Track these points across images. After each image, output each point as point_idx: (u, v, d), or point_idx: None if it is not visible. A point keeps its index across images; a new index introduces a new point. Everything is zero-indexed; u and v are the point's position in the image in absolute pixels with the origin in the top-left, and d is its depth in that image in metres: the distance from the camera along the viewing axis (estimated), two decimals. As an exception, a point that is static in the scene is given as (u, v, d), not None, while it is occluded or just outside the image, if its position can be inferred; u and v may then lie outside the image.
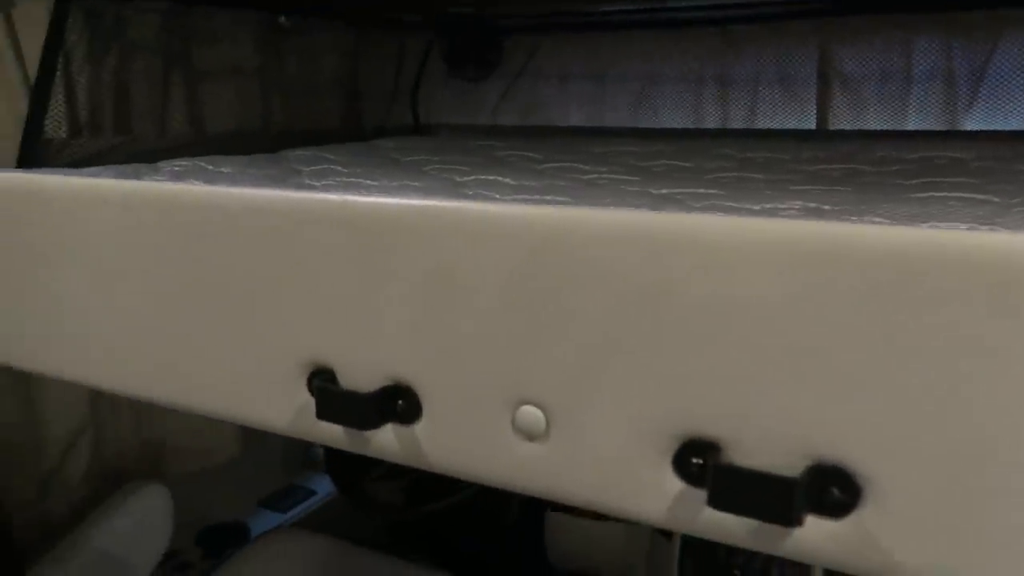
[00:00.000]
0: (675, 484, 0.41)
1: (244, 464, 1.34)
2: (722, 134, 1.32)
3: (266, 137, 1.22)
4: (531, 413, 0.43)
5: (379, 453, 0.48)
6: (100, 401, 1.11)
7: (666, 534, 1.21)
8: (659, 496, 0.41)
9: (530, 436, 0.44)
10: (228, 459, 1.28)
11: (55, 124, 0.94)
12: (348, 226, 0.48)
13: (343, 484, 1.36)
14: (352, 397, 0.46)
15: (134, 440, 1.19)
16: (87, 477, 1.09)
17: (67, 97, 0.98)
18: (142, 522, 0.98)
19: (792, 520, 0.37)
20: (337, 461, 1.36)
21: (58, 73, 0.94)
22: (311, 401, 0.49)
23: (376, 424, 0.46)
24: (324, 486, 1.53)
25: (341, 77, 1.43)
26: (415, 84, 1.48)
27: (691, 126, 1.36)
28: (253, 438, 1.34)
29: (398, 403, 0.46)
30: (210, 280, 0.52)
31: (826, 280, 0.37)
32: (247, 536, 1.39)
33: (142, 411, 1.18)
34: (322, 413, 0.47)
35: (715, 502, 0.38)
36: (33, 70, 0.97)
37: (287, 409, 0.50)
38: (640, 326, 0.41)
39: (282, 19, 1.32)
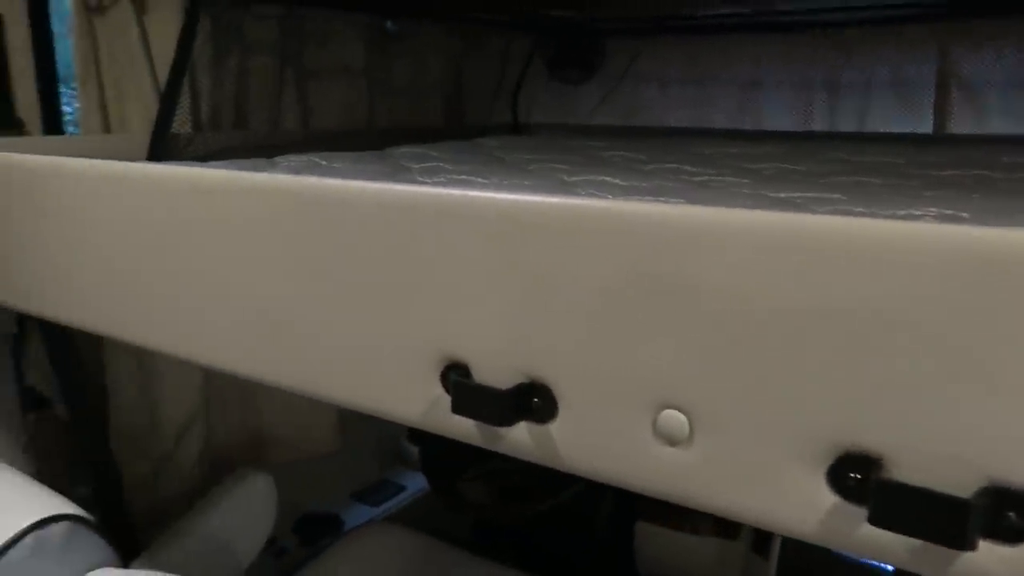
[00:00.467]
0: (828, 498, 0.39)
1: (340, 457, 1.38)
2: (828, 137, 1.28)
3: (371, 134, 1.25)
4: (674, 417, 0.42)
5: (512, 451, 0.47)
6: (211, 391, 1.15)
7: (763, 554, 1.17)
8: (810, 510, 0.39)
9: (672, 441, 0.42)
10: (326, 452, 1.32)
11: (180, 121, 0.99)
12: (483, 222, 0.48)
13: (437, 483, 1.37)
14: (489, 393, 0.46)
15: (241, 429, 1.23)
16: (198, 462, 1.14)
17: (191, 96, 1.03)
18: (250, 509, 1.02)
19: (966, 544, 0.35)
20: (432, 461, 1.38)
21: (186, 75, 0.98)
22: (444, 395, 0.49)
23: (512, 421, 0.46)
24: (414, 482, 1.56)
25: (445, 78, 1.45)
26: (517, 86, 1.48)
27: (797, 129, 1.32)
28: (350, 433, 1.37)
29: (533, 401, 0.46)
30: (350, 273, 0.53)
31: (1003, 290, 0.34)
32: (340, 526, 1.43)
33: (248, 402, 1.23)
34: (458, 408, 0.47)
35: (878, 520, 0.36)
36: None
37: (420, 402, 0.50)
38: (795, 331, 0.39)
39: (388, 25, 1.35)
